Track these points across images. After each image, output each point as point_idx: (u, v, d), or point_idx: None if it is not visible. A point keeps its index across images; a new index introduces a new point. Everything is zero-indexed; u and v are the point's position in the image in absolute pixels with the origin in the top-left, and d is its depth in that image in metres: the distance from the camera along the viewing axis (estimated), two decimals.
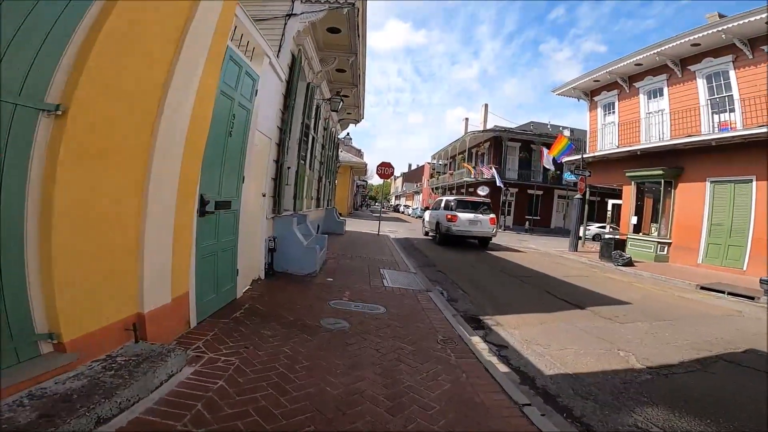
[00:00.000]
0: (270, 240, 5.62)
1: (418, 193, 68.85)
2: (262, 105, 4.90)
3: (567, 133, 35.63)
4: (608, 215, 17.40)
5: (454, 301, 6.09)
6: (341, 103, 8.64)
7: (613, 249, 12.79)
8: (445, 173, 42.70)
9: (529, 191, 30.68)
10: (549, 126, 36.71)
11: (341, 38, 8.30)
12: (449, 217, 13.11)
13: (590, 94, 18.26)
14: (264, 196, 5.21)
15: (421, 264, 9.25)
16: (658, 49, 14.02)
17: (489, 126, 32.55)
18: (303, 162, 7.71)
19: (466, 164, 30.28)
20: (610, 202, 17.54)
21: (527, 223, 29.18)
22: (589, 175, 15.74)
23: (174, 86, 2.72)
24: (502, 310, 5.71)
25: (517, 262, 11.05)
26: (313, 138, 9.23)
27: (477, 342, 4.07)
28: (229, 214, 3.95)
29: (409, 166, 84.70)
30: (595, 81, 17.25)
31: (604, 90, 17.32)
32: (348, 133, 15.93)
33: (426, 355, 3.40)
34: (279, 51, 6.12)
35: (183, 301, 3.24)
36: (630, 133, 15.69)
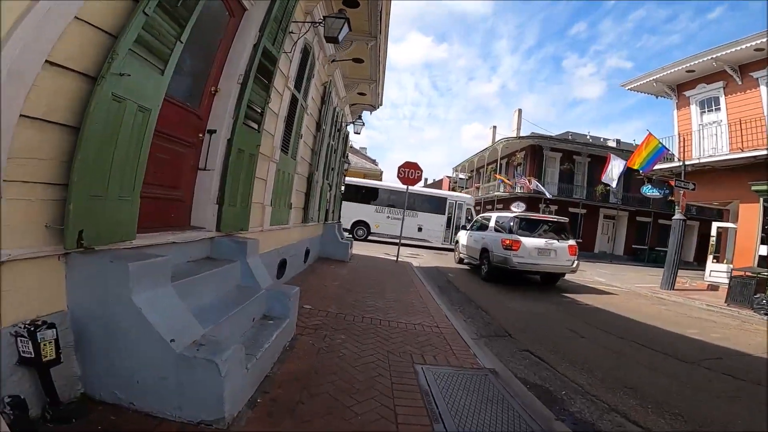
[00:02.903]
0: None
1: None
2: None
3: (613, 144, 31.23)
4: (711, 242, 12.89)
5: None
6: (344, 28, 4.59)
7: (754, 291, 8.62)
8: (468, 188, 38.52)
9: (571, 209, 26.18)
10: (589, 137, 32.37)
11: None
12: (508, 242, 8.76)
13: (677, 88, 14.00)
14: None
15: (483, 330, 5.05)
16: None
17: (523, 134, 28.27)
18: (256, 129, 3.65)
19: (500, 176, 26.00)
20: (715, 225, 13.02)
21: None
22: (693, 189, 11.36)
23: None
24: None
25: (633, 318, 6.75)
26: (295, 99, 5.20)
27: None
28: None
29: (425, 180, 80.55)
30: (688, 71, 13.01)
31: (701, 82, 13.04)
32: (360, 116, 11.72)
33: None
34: None
35: None
36: (748, 135, 11.34)
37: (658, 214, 26.99)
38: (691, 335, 5.86)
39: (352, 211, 16.12)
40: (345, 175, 14.34)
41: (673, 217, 11.50)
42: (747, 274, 9.30)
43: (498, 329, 5.25)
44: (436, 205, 17.83)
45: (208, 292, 2.66)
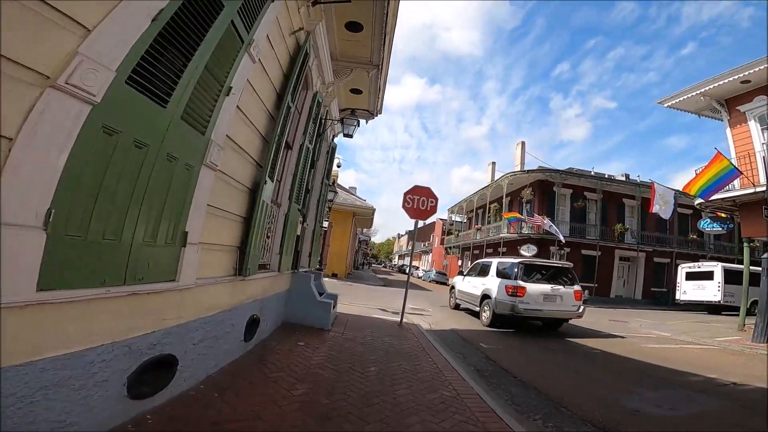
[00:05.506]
0: None
1: (426, 252, 61.40)
2: None
3: (621, 179, 29.19)
4: None
5: None
6: None
7: None
8: (465, 230, 35.84)
9: (584, 251, 23.53)
10: (593, 172, 30.36)
11: None
12: (512, 289, 8.36)
13: (728, 102, 11.79)
14: None
15: None
16: None
17: (526, 169, 26.03)
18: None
19: (513, 214, 23.34)
20: None
21: (585, 291, 21.74)
22: None
23: None
24: None
25: None
26: (215, 1, 2.34)
27: None
28: None
29: (416, 223, 78.28)
30: (743, 82, 10.85)
31: (760, 94, 10.84)
32: (354, 112, 8.60)
33: None
34: None
35: None
36: None
37: (679, 255, 24.53)
38: None
39: None
40: (330, 208, 11.40)
41: (763, 257, 8.73)
42: None
43: None
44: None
45: None
